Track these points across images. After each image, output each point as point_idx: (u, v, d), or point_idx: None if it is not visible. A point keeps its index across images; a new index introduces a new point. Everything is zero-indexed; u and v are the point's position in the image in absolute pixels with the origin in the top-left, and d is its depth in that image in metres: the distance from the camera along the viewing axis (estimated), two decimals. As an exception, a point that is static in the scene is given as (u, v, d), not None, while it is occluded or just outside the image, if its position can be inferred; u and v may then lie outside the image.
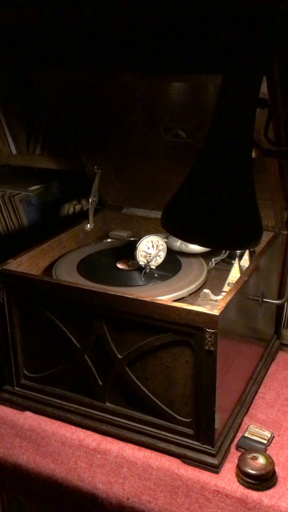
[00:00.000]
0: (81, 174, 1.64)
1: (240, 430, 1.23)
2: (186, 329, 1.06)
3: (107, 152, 1.52)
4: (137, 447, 1.19)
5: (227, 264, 1.42)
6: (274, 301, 1.37)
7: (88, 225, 1.54)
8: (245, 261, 1.35)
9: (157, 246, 1.33)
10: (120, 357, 1.16)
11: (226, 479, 1.10)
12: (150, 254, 1.32)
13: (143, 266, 1.31)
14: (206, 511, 1.08)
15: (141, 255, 1.31)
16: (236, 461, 1.12)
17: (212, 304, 1.19)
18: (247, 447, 1.16)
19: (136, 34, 1.41)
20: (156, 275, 1.32)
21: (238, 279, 1.21)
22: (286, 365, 1.50)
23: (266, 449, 1.17)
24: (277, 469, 1.12)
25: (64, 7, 1.30)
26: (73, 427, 1.26)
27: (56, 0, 1.30)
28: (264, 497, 1.07)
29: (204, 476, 1.11)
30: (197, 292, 1.26)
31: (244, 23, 0.95)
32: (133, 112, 1.35)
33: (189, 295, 1.25)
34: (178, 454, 1.15)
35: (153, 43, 1.39)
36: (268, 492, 1.08)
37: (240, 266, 1.29)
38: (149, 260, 1.32)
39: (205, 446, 1.13)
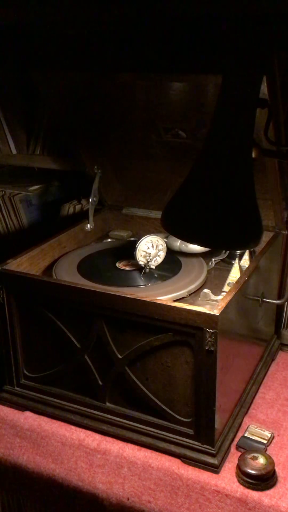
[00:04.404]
0: (81, 174, 1.64)
1: (240, 430, 1.23)
2: (186, 329, 1.06)
3: (107, 152, 1.52)
4: (137, 447, 1.19)
5: (227, 264, 1.42)
6: (274, 301, 1.37)
7: (88, 225, 1.54)
8: (245, 261, 1.35)
9: (156, 246, 1.33)
10: (120, 357, 1.16)
11: (226, 479, 1.10)
12: (150, 254, 1.32)
13: (143, 266, 1.31)
14: (206, 511, 1.08)
15: (141, 255, 1.31)
16: (236, 461, 1.12)
17: (212, 304, 1.19)
18: (247, 447, 1.16)
19: (136, 34, 1.41)
20: (156, 275, 1.32)
21: (238, 279, 1.21)
22: (286, 365, 1.50)
23: (266, 449, 1.17)
24: (277, 469, 1.12)
25: (64, 7, 1.30)
26: (73, 427, 1.26)
27: (56, 0, 1.30)
28: (264, 497, 1.07)
29: (204, 476, 1.11)
30: (197, 292, 1.26)
31: (244, 23, 0.95)
32: (133, 112, 1.35)
33: (189, 295, 1.25)
34: (178, 454, 1.15)
35: (153, 43, 1.39)
36: (268, 492, 1.08)
37: (240, 266, 1.29)
38: (148, 260, 1.32)
39: (205, 446, 1.13)
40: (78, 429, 1.25)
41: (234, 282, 1.22)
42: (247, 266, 1.32)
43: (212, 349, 1.04)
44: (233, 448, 1.18)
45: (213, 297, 1.22)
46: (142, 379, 1.16)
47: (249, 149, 1.02)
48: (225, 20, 1.08)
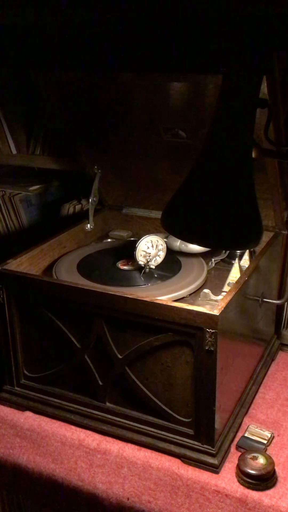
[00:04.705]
0: (81, 174, 1.64)
1: (240, 430, 1.23)
2: (186, 329, 1.06)
3: (107, 152, 1.52)
4: (137, 447, 1.19)
5: (227, 264, 1.42)
6: (274, 301, 1.37)
7: (88, 225, 1.54)
8: (245, 261, 1.35)
9: (156, 246, 1.33)
10: (120, 357, 1.16)
11: (226, 479, 1.10)
12: (150, 254, 1.32)
13: (143, 266, 1.31)
14: (206, 511, 1.08)
15: (141, 255, 1.31)
16: (236, 461, 1.12)
17: (212, 304, 1.19)
18: (247, 447, 1.16)
19: (136, 34, 1.41)
20: (156, 275, 1.32)
21: (238, 279, 1.21)
22: (286, 365, 1.50)
23: (266, 449, 1.17)
24: (277, 469, 1.12)
25: (64, 7, 1.30)
26: (73, 427, 1.26)
27: (56, 0, 1.30)
28: (264, 497, 1.07)
29: (204, 476, 1.11)
30: (197, 292, 1.26)
31: (244, 24, 0.95)
32: (133, 112, 1.35)
33: (189, 295, 1.25)
34: (178, 454, 1.15)
35: (153, 43, 1.39)
36: (268, 492, 1.08)
37: (240, 266, 1.29)
38: (148, 260, 1.32)
39: (205, 446, 1.13)
40: (78, 429, 1.25)
41: (234, 282, 1.22)
42: (247, 266, 1.32)
43: (212, 349, 1.04)
44: (233, 448, 1.18)
45: (213, 297, 1.22)
46: (142, 379, 1.16)
47: (249, 149, 1.02)
48: (225, 20, 1.08)
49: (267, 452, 1.15)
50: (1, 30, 1.58)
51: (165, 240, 1.37)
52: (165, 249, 1.35)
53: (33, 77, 1.36)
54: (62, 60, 1.56)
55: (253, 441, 1.18)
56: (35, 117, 1.79)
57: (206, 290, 1.22)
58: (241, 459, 1.11)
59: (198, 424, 1.12)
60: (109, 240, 1.62)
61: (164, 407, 1.15)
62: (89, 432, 1.24)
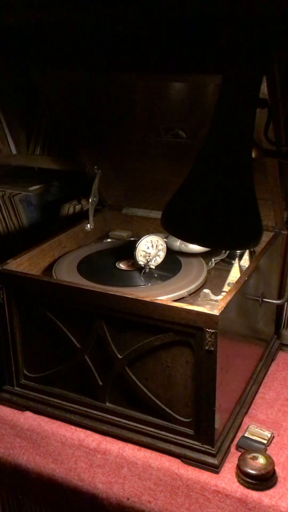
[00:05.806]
0: (81, 174, 1.64)
1: (240, 430, 1.23)
2: (186, 329, 1.06)
3: (107, 152, 1.52)
4: (137, 447, 1.19)
5: (227, 264, 1.42)
6: (274, 301, 1.37)
7: (88, 225, 1.54)
8: (245, 261, 1.35)
9: (156, 246, 1.33)
10: (120, 357, 1.16)
11: (226, 479, 1.10)
12: (150, 254, 1.32)
13: (143, 266, 1.31)
14: (206, 511, 1.08)
15: (141, 255, 1.31)
16: (236, 461, 1.12)
17: (212, 304, 1.19)
18: (247, 447, 1.16)
19: (136, 34, 1.41)
20: (156, 275, 1.32)
21: (238, 279, 1.21)
22: (286, 365, 1.50)
23: (266, 449, 1.17)
24: (277, 469, 1.12)
25: (64, 7, 1.30)
26: (73, 427, 1.26)
27: (56, 0, 1.30)
28: (264, 497, 1.07)
29: (204, 476, 1.11)
30: (197, 292, 1.26)
31: (244, 23, 0.95)
32: (133, 112, 1.35)
33: (189, 295, 1.25)
34: (178, 454, 1.15)
35: (153, 43, 1.39)
36: (268, 492, 1.08)
37: (240, 266, 1.29)
38: (148, 260, 1.32)
39: (205, 446, 1.13)
40: (78, 429, 1.25)
41: (234, 282, 1.22)
42: (247, 266, 1.32)
43: (212, 349, 1.04)
44: (233, 448, 1.18)
45: (213, 297, 1.22)
46: (142, 379, 1.16)
47: (249, 149, 1.02)
48: (226, 20, 1.08)
49: (267, 452, 1.15)
50: (1, 30, 1.58)
51: (165, 240, 1.37)
52: (165, 249, 1.35)
53: (33, 77, 1.36)
54: (62, 60, 1.56)
55: (253, 441, 1.18)
56: (35, 117, 1.79)
57: (206, 290, 1.22)
58: (241, 459, 1.11)
59: (198, 424, 1.12)
60: (109, 240, 1.63)
61: (164, 407, 1.15)
62: (89, 432, 1.24)
